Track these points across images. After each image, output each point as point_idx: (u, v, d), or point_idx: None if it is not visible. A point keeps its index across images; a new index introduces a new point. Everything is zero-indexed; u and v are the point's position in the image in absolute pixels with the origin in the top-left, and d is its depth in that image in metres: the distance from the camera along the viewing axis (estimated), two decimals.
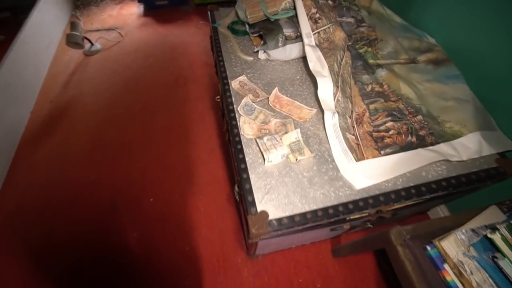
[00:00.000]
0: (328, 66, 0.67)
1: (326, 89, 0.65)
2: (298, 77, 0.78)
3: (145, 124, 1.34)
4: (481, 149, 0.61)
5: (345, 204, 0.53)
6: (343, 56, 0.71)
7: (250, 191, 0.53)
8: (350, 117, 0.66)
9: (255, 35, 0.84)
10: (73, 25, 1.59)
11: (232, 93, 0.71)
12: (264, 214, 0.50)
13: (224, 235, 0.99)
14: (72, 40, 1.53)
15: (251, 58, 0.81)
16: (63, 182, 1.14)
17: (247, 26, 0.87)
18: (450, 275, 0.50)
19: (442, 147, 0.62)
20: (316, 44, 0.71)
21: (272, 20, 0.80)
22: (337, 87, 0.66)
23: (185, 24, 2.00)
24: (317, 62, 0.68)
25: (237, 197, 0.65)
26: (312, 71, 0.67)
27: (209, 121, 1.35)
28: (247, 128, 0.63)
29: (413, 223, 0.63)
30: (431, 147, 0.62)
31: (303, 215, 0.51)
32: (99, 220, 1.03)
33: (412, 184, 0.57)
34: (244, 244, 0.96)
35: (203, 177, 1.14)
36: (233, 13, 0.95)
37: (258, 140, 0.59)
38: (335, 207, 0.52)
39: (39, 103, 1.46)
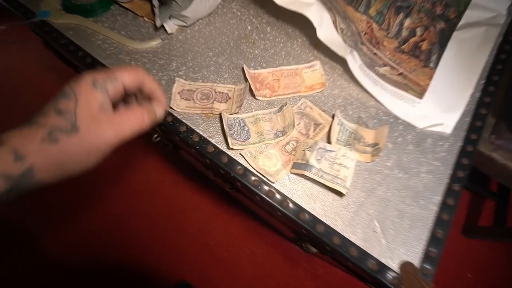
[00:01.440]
0: None
1: (323, 22, 0.38)
2: (249, 27, 0.46)
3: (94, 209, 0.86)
4: None
5: (459, 164, 0.36)
6: None
7: (364, 257, 0.31)
8: (363, 44, 0.43)
9: None
10: None
11: (190, 126, 0.37)
12: (410, 267, 0.30)
13: (276, 266, 0.80)
14: None
15: (158, 41, 0.44)
16: None
17: None
18: None
19: (470, 14, 0.47)
20: None
21: None
22: (331, 9, 0.40)
23: None
24: None
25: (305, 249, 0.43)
26: (285, 6, 0.37)
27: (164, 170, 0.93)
28: (267, 163, 0.35)
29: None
30: (462, 23, 0.47)
31: (440, 221, 0.33)
32: None
33: (483, 81, 0.43)
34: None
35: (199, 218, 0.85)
36: None
37: (309, 173, 0.32)
38: (453, 175, 0.36)
39: None
